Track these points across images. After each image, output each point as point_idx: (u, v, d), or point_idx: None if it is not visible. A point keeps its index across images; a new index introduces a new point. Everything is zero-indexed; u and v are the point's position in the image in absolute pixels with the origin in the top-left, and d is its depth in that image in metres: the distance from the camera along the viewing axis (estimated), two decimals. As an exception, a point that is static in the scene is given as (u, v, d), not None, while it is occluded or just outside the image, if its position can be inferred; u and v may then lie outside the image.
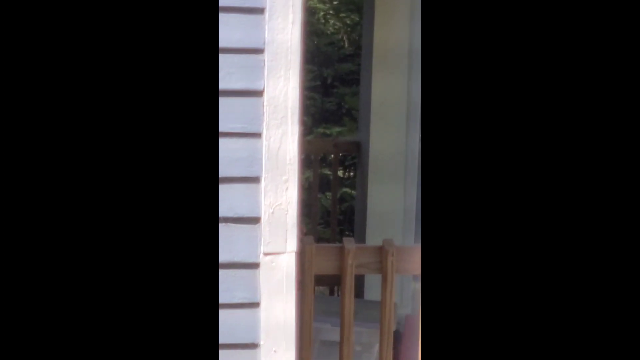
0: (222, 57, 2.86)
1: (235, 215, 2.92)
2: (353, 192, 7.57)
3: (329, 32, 9.03)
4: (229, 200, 2.91)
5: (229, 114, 2.89)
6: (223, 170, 2.89)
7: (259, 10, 2.89)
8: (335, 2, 9.09)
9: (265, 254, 2.95)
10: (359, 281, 5.55)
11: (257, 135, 2.92)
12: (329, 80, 8.70)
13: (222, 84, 2.87)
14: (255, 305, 2.96)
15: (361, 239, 5.90)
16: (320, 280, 3.30)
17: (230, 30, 2.88)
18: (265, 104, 2.91)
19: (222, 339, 2.93)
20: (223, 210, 2.91)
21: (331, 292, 5.98)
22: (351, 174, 8.29)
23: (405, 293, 6.02)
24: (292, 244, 2.97)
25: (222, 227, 2.91)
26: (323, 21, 9.04)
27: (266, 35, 2.90)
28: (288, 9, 2.90)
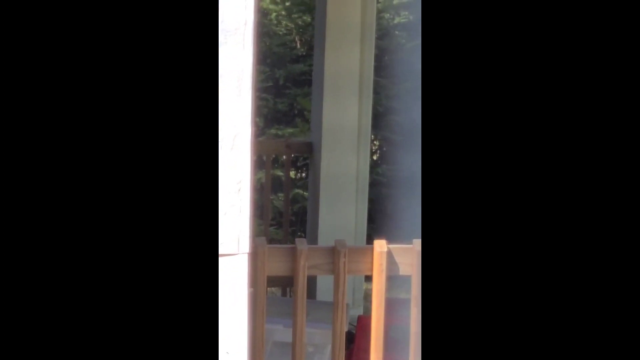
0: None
1: (188, 216, 2.92)
2: (305, 193, 7.58)
3: (281, 32, 9.03)
4: (181, 201, 2.91)
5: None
6: (175, 171, 2.90)
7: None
8: (287, 4, 9.10)
9: (220, 256, 2.95)
10: (311, 282, 5.56)
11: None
12: (281, 82, 8.70)
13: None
14: (207, 306, 2.96)
15: (313, 240, 5.91)
16: (272, 281, 3.30)
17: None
18: (220, 105, 2.91)
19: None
20: (175, 211, 2.91)
21: (284, 293, 5.98)
22: (303, 175, 8.29)
23: (357, 294, 6.05)
24: (244, 245, 2.96)
25: (174, 228, 2.91)
26: (275, 22, 9.04)
27: (220, 37, 2.90)
28: (241, 9, 2.90)
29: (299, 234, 7.48)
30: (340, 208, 6.01)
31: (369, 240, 4.79)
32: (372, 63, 6.22)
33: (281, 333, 3.87)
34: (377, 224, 7.61)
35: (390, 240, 3.27)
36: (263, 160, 6.44)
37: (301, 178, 8.35)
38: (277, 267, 3.20)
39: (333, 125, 6.01)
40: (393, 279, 3.26)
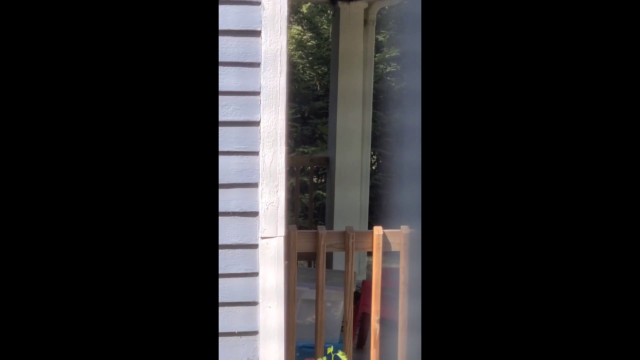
0: (229, 98, 2.87)
1: (241, 210, 2.92)
2: (324, 193, 7.56)
3: (305, 79, 9.02)
4: (236, 200, 2.91)
5: (236, 138, 2.89)
6: (232, 178, 2.90)
7: (256, 64, 2.89)
8: (310, 58, 9.09)
9: (262, 238, 2.95)
10: (329, 257, 5.56)
11: (255, 153, 2.92)
12: (306, 114, 8.69)
13: (230, 117, 2.88)
14: (255, 274, 2.95)
15: (330, 226, 5.90)
16: (301, 256, 3.29)
17: (234, 78, 2.88)
18: (261, 131, 2.91)
19: (232, 299, 2.93)
20: (232, 207, 2.91)
21: (309, 265, 5.96)
22: (322, 180, 8.27)
23: (362, 265, 6.03)
24: (281, 230, 2.97)
25: (231, 219, 2.91)
26: (302, 71, 9.03)
27: (261, 82, 2.90)
28: (277, 64, 2.91)
29: (319, 222, 7.45)
30: (348, 203, 6.00)
31: (370, 226, 4.78)
32: (372, 101, 6.20)
33: (308, 293, 3.87)
34: (375, 214, 7.59)
35: (384, 225, 3.27)
36: (294, 170, 6.44)
37: (321, 182, 8.32)
38: (304, 246, 3.20)
39: (343, 148, 6.01)
40: (387, 254, 3.26)
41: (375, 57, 6.53)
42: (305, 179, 6.84)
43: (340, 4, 5.93)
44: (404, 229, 3.21)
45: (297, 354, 3.31)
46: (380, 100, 8.39)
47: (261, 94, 2.89)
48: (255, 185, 2.92)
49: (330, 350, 2.87)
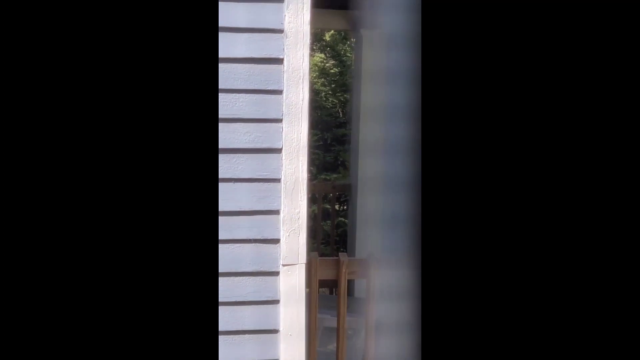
0: (251, 125, 2.87)
1: (262, 237, 2.92)
2: (346, 220, 7.55)
3: (328, 106, 9.05)
4: (257, 226, 2.91)
5: (257, 164, 2.89)
6: (253, 205, 2.89)
7: (279, 92, 2.90)
8: (332, 85, 9.12)
9: (284, 265, 2.94)
10: (351, 284, 5.53)
11: (277, 180, 2.92)
12: (329, 141, 8.70)
13: (252, 144, 2.88)
14: (276, 302, 2.94)
15: (352, 254, 5.88)
16: (322, 283, 3.28)
17: (256, 105, 2.88)
18: (283, 157, 2.91)
19: (252, 327, 2.92)
20: (253, 233, 2.90)
21: (330, 292, 5.94)
22: (345, 207, 8.26)
23: (384, 292, 5.99)
24: (302, 257, 2.96)
25: (252, 246, 2.90)
26: (324, 99, 9.06)
27: (284, 109, 2.91)
28: (299, 91, 2.91)
29: (341, 249, 7.44)
30: (370, 231, 5.98)
31: (392, 254, 4.74)
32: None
33: (329, 320, 3.85)
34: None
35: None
36: (316, 197, 6.44)
37: (343, 210, 8.32)
38: (325, 273, 3.18)
39: (365, 172, 6.00)
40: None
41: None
42: (327, 206, 6.83)
43: (362, 31, 5.95)
44: (426, 257, 3.19)
45: (318, 383, 3.28)
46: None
47: (283, 121, 2.89)
48: (276, 212, 2.91)
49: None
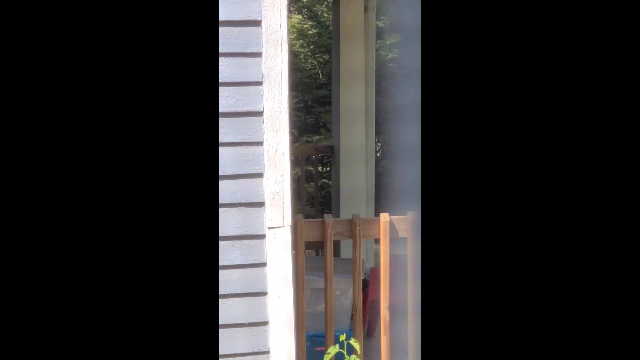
0: (232, 89, 2.86)
1: (247, 201, 2.92)
2: (329, 181, 7.56)
3: (307, 68, 9.01)
4: (241, 190, 2.90)
5: (239, 128, 2.88)
6: (236, 169, 2.89)
7: (258, 54, 2.88)
8: (311, 47, 9.07)
9: (269, 228, 2.95)
10: (336, 245, 5.55)
11: (259, 143, 2.91)
12: (309, 103, 8.68)
13: (233, 108, 2.87)
14: (263, 264, 2.95)
15: (337, 214, 5.89)
16: (308, 245, 3.29)
17: (236, 68, 2.87)
18: (264, 120, 2.90)
19: (240, 290, 2.93)
20: (237, 197, 2.90)
21: (317, 254, 5.97)
22: (328, 169, 8.27)
23: (370, 252, 6.02)
24: (288, 220, 2.96)
25: (237, 210, 2.90)
26: (303, 60, 9.02)
27: (263, 72, 2.89)
28: (278, 53, 2.89)
29: (326, 211, 7.46)
30: (354, 191, 5.99)
31: (376, 213, 4.77)
32: (374, 89, 6.19)
33: (316, 282, 3.86)
34: (381, 201, 7.58)
35: (391, 213, 3.26)
36: (299, 160, 6.43)
37: (326, 171, 8.32)
38: (311, 235, 3.19)
39: (347, 135, 6.00)
40: (394, 241, 3.25)
41: (376, 43, 6.52)
42: (310, 167, 6.83)
43: (339, -9, 5.91)
44: (411, 215, 3.20)
45: (308, 344, 3.30)
46: (382, 87, 8.37)
47: (263, 83, 2.88)
48: (260, 175, 2.91)
49: (342, 337, 2.86)
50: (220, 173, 2.86)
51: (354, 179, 5.97)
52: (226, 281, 2.91)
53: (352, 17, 5.92)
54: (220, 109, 2.85)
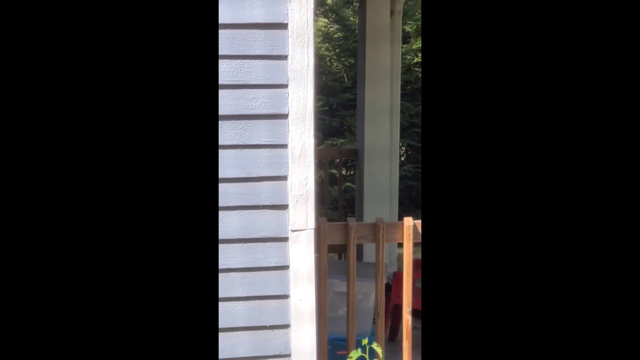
0: (258, 91, 2.86)
1: (270, 203, 2.92)
2: (353, 185, 7.56)
3: (333, 71, 9.01)
4: (265, 192, 2.90)
5: (265, 131, 2.88)
6: (260, 171, 2.89)
7: (284, 57, 2.88)
8: (337, 50, 9.07)
9: (292, 231, 2.95)
10: (359, 249, 5.54)
11: (284, 146, 2.91)
12: (334, 106, 8.68)
13: (259, 110, 2.87)
14: (286, 267, 2.95)
15: (360, 217, 5.89)
16: (331, 248, 3.28)
17: (262, 70, 2.87)
18: (289, 123, 2.90)
19: (263, 292, 2.93)
20: (261, 199, 2.90)
21: (339, 257, 5.96)
22: (351, 172, 8.26)
23: (392, 256, 6.01)
24: (311, 223, 2.96)
25: (260, 212, 2.90)
26: (329, 64, 9.02)
27: (289, 74, 2.89)
28: (304, 56, 2.89)
29: (349, 214, 7.46)
30: (378, 195, 5.98)
31: (400, 218, 4.76)
32: (399, 92, 6.18)
33: (339, 285, 3.86)
34: (405, 205, 7.57)
35: (414, 216, 3.25)
36: (322, 163, 6.43)
37: (350, 175, 8.32)
38: (334, 238, 3.19)
39: (371, 137, 5.99)
40: (418, 245, 3.23)
41: (402, 47, 6.51)
42: (334, 171, 6.83)
43: (366, -6, 5.91)
44: (435, 220, 3.19)
45: (329, 347, 3.30)
46: (408, 92, 8.36)
47: (289, 86, 2.88)
48: (284, 178, 2.91)
49: (365, 342, 2.86)
50: (245, 175, 2.87)
51: (378, 179, 5.95)
52: (249, 283, 2.92)
53: (378, 19, 5.92)
54: (247, 111, 2.85)
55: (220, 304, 2.87)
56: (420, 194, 7.94)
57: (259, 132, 2.88)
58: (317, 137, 2.75)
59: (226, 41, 2.82)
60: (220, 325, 2.85)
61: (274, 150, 2.90)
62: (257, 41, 2.85)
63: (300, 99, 2.90)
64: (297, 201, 2.92)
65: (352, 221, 3.19)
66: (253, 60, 2.85)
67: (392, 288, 4.77)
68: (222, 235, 2.86)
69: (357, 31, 7.69)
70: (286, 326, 2.96)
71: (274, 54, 2.87)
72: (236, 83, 2.84)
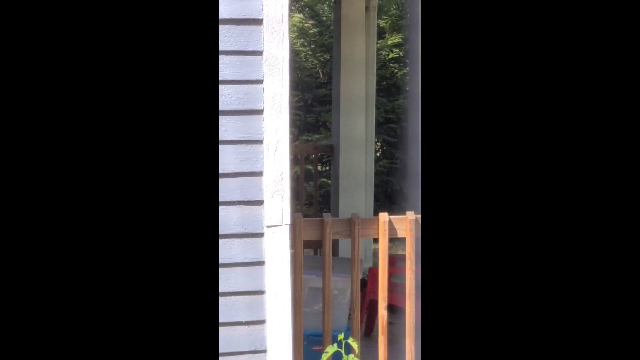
0: (232, 87, 2.86)
1: (246, 199, 2.91)
2: (328, 181, 7.56)
3: (308, 67, 9.01)
4: (240, 188, 2.90)
5: (240, 127, 2.88)
6: (236, 167, 2.89)
7: (259, 53, 2.88)
8: (312, 46, 9.07)
9: (268, 226, 2.95)
10: (335, 244, 5.55)
11: (259, 141, 2.91)
12: (309, 102, 8.68)
13: (234, 106, 2.87)
14: (261, 263, 2.95)
15: (335, 214, 5.89)
16: (307, 244, 3.28)
17: (237, 66, 2.87)
18: (264, 119, 2.90)
19: (238, 288, 2.93)
20: (236, 195, 2.90)
21: (315, 253, 5.97)
22: (327, 168, 8.27)
23: (368, 252, 6.02)
24: (286, 218, 2.96)
25: (235, 208, 2.90)
26: (304, 59, 9.01)
27: (264, 70, 2.89)
28: (279, 51, 2.89)
29: (325, 210, 7.45)
30: (353, 190, 5.99)
31: (375, 213, 4.77)
32: (374, 87, 6.19)
33: (314, 281, 3.86)
34: (381, 201, 7.59)
35: (390, 212, 3.26)
36: (298, 158, 6.44)
37: (325, 170, 8.32)
38: (310, 234, 3.19)
39: (347, 132, 6.00)
40: (392, 240, 3.24)
41: (377, 43, 6.52)
42: (310, 167, 6.84)
43: (341, -10, 5.91)
44: (410, 215, 3.20)
45: (305, 342, 3.30)
46: (383, 87, 8.37)
47: (263, 82, 2.88)
48: (259, 174, 2.91)
49: (340, 337, 2.86)
50: (220, 171, 2.87)
51: (354, 173, 5.97)
52: (225, 279, 2.91)
53: (353, 14, 5.93)
54: (221, 107, 2.85)
55: (195, 300, 2.86)
56: (395, 190, 7.96)
57: (234, 127, 2.87)
58: (292, 133, 2.74)
59: (201, 36, 2.81)
60: (196, 321, 2.85)
61: (249, 146, 2.90)
62: (232, 37, 2.84)
63: (276, 95, 2.90)
64: (272, 197, 2.92)
65: (327, 217, 3.19)
66: (227, 56, 2.84)
67: (368, 283, 4.78)
68: (197, 231, 2.85)
69: (332, 27, 7.70)
70: (262, 322, 2.96)
71: (249, 49, 2.86)
72: (211, 79, 2.83)
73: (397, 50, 8.55)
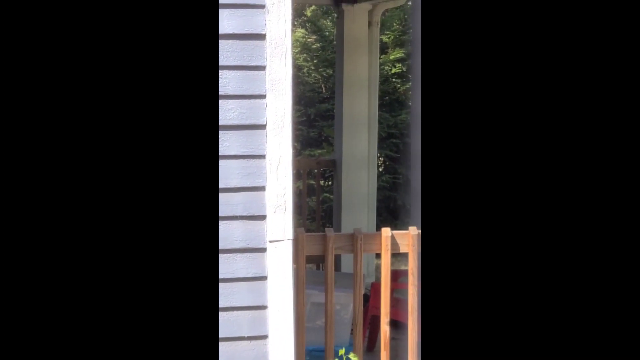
0: (235, 102, 2.86)
1: (248, 214, 2.91)
2: (331, 196, 7.56)
3: (311, 82, 9.03)
4: (243, 203, 2.90)
5: (243, 142, 2.88)
6: (238, 182, 2.89)
7: (262, 68, 2.89)
8: (315, 61, 9.09)
9: (270, 241, 2.94)
10: (337, 259, 5.54)
11: (262, 156, 2.91)
12: (312, 117, 8.69)
13: (237, 121, 2.87)
14: (263, 278, 2.95)
15: (338, 229, 5.89)
16: (309, 259, 3.28)
17: (240, 81, 2.87)
18: (267, 133, 2.91)
19: (240, 303, 2.92)
20: (239, 210, 2.90)
21: (317, 267, 5.96)
22: (329, 183, 8.27)
23: (370, 267, 6.02)
24: (289, 233, 2.96)
25: (238, 223, 2.90)
26: (307, 74, 9.03)
27: (267, 85, 2.90)
28: (282, 66, 2.90)
29: (327, 225, 7.46)
30: (356, 206, 5.99)
31: (378, 228, 4.77)
32: (377, 103, 6.21)
33: (316, 296, 3.86)
34: (383, 216, 7.59)
35: (392, 227, 3.26)
36: (300, 173, 6.44)
37: (328, 185, 8.32)
38: (312, 248, 3.19)
39: (349, 148, 6.01)
40: (395, 256, 3.24)
41: (380, 58, 6.53)
42: (312, 181, 6.84)
43: (344, 6, 5.93)
44: (413, 230, 3.20)
45: (307, 358, 3.30)
46: (385, 102, 8.38)
47: (267, 96, 2.89)
48: (262, 188, 2.91)
49: (341, 352, 2.86)
50: (222, 185, 2.87)
51: (356, 189, 5.97)
52: (227, 294, 2.91)
53: (356, 30, 5.95)
54: (224, 122, 2.85)
55: (197, 315, 2.86)
56: (398, 205, 7.96)
57: (237, 142, 2.88)
58: (295, 147, 2.74)
59: (204, 52, 2.81)
60: (198, 336, 2.84)
61: (251, 161, 2.90)
62: (235, 52, 2.85)
63: (278, 110, 2.90)
64: (275, 212, 2.92)
65: (330, 232, 3.19)
66: (230, 71, 2.85)
67: (370, 299, 4.77)
68: (199, 246, 2.85)
69: (335, 42, 7.72)
70: (264, 337, 2.95)
71: (251, 64, 2.87)
72: (214, 93, 2.84)
73: (400, 65, 8.57)
